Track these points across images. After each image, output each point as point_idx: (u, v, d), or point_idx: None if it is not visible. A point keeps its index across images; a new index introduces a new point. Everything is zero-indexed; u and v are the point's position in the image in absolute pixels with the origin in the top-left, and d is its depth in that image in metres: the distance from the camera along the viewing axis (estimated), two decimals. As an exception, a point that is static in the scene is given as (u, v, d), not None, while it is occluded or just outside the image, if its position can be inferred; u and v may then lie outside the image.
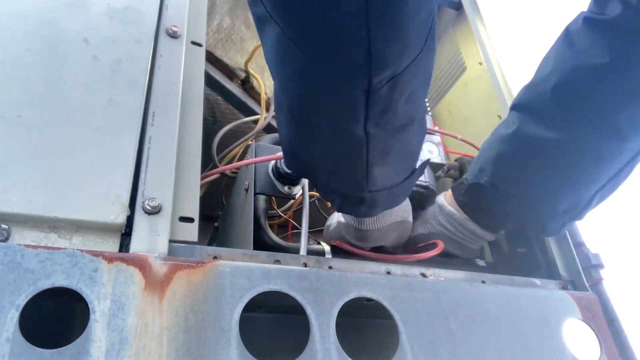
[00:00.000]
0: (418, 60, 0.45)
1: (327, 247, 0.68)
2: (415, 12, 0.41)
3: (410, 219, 0.72)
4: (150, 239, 0.47)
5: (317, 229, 0.85)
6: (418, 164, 0.63)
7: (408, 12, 0.41)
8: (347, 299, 0.51)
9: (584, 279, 0.71)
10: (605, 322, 0.65)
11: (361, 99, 0.45)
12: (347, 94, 0.45)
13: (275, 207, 0.79)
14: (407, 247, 0.75)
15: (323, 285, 0.51)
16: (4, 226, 0.43)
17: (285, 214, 0.80)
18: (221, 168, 0.73)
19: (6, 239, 0.42)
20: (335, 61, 0.43)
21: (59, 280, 0.40)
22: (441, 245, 0.69)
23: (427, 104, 1.11)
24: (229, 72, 0.88)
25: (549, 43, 0.65)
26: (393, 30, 0.41)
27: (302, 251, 0.62)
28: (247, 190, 0.69)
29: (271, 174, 0.68)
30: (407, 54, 0.44)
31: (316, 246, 0.68)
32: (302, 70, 0.45)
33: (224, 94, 0.88)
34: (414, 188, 0.81)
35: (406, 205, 0.72)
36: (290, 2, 0.41)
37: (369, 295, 0.52)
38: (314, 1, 0.39)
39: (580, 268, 0.71)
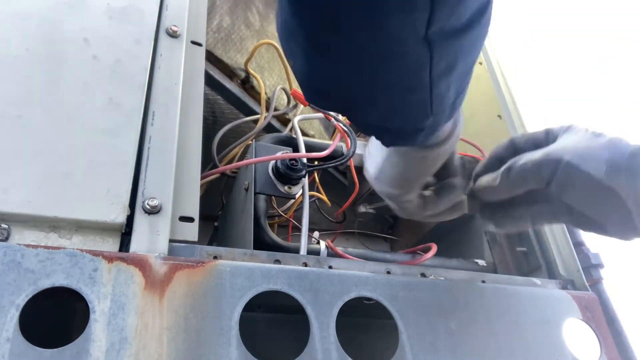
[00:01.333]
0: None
1: (325, 247, 0.68)
2: None
3: None
4: (150, 238, 0.47)
5: (317, 229, 0.85)
6: None
7: None
8: (347, 299, 0.51)
9: (584, 278, 0.71)
10: (605, 322, 0.65)
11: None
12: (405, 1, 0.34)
13: (276, 207, 0.79)
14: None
15: (323, 285, 0.51)
16: (3, 226, 0.43)
17: (285, 214, 0.80)
18: (221, 168, 0.73)
19: (6, 239, 0.42)
20: None
21: (59, 280, 0.40)
22: (434, 249, 0.67)
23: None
24: (229, 72, 0.88)
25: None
26: None
27: (302, 251, 0.62)
28: (247, 189, 0.69)
29: (271, 174, 0.68)
30: None
31: (316, 246, 0.68)
32: None
33: (223, 93, 0.88)
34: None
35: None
36: None
37: (369, 295, 0.52)
38: None
39: (580, 268, 0.71)
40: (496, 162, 0.57)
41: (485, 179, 0.56)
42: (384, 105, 0.43)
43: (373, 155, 0.56)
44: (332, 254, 0.68)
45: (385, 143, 0.49)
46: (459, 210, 0.59)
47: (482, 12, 0.40)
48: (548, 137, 0.55)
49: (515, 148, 0.56)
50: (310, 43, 0.39)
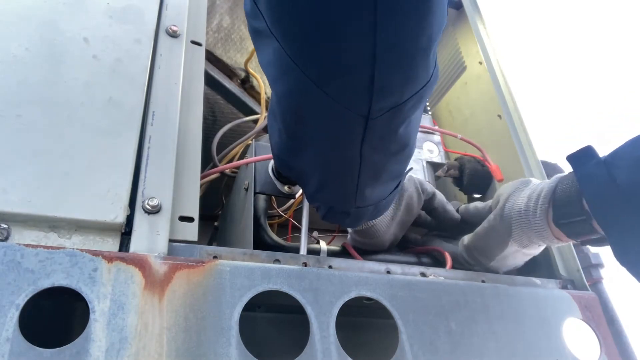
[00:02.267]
0: (422, 91, 0.43)
1: (325, 247, 0.68)
2: (426, 46, 0.40)
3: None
4: (150, 238, 0.47)
5: (316, 229, 0.85)
6: (424, 163, 0.62)
7: (419, 45, 0.39)
8: (347, 299, 0.51)
9: (584, 278, 0.70)
10: (605, 322, 0.65)
11: (359, 124, 0.43)
12: (345, 118, 0.43)
13: (275, 207, 0.79)
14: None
15: (323, 284, 0.51)
16: (3, 225, 0.43)
17: (285, 214, 0.80)
18: (221, 167, 0.73)
19: (6, 239, 0.42)
20: (336, 84, 0.41)
21: (59, 280, 0.40)
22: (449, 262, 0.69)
23: (427, 104, 1.11)
24: (229, 72, 0.88)
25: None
26: (400, 61, 0.39)
27: (302, 251, 0.62)
28: (247, 189, 0.69)
29: (271, 174, 0.68)
30: (412, 86, 0.42)
31: (316, 245, 0.68)
32: (299, 88, 0.43)
33: (223, 93, 0.88)
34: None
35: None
36: (293, 19, 0.39)
37: (368, 294, 0.52)
38: (319, 19, 0.37)
39: (580, 267, 0.71)
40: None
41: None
42: (322, 186, 0.54)
43: None
44: (332, 253, 0.68)
45: (321, 216, 0.59)
46: None
47: (408, 146, 0.50)
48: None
49: None
50: (282, 131, 0.50)
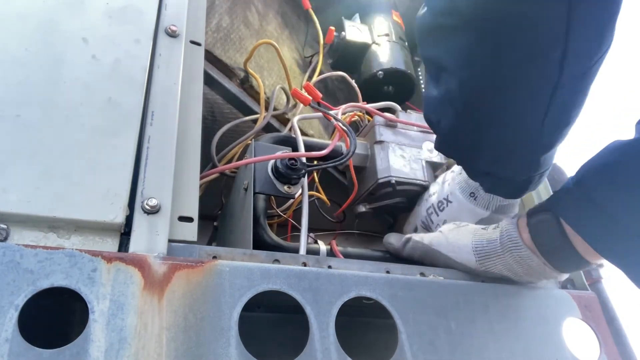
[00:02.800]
0: (604, 55, 0.47)
1: (324, 247, 0.68)
2: (615, 10, 0.44)
3: None
4: (149, 238, 0.47)
5: (317, 229, 0.85)
6: (423, 163, 0.63)
7: (610, 11, 0.43)
8: (346, 299, 0.51)
9: (584, 278, 0.71)
10: (604, 321, 0.65)
11: (546, 95, 0.47)
12: (533, 92, 0.47)
13: (275, 207, 0.79)
14: None
15: (322, 284, 0.50)
16: (2, 226, 0.43)
17: (284, 214, 0.80)
18: (220, 167, 0.73)
19: (5, 239, 0.42)
20: (531, 67, 0.45)
21: (58, 280, 0.40)
22: None
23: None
24: (228, 72, 0.88)
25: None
26: (593, 26, 0.43)
27: (302, 251, 0.62)
28: (246, 189, 0.69)
29: (270, 174, 0.68)
30: (600, 50, 0.46)
31: (315, 246, 0.68)
32: (487, 73, 0.48)
33: (223, 93, 0.88)
34: (411, 187, 0.81)
35: None
36: (490, 12, 0.44)
37: (368, 294, 0.52)
38: (515, 12, 0.43)
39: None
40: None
41: (395, 237, 0.73)
42: (500, 155, 0.57)
43: None
44: (331, 254, 0.68)
45: (486, 188, 0.64)
46: None
47: (578, 115, 0.53)
48: None
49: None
50: (461, 113, 0.54)
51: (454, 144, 0.61)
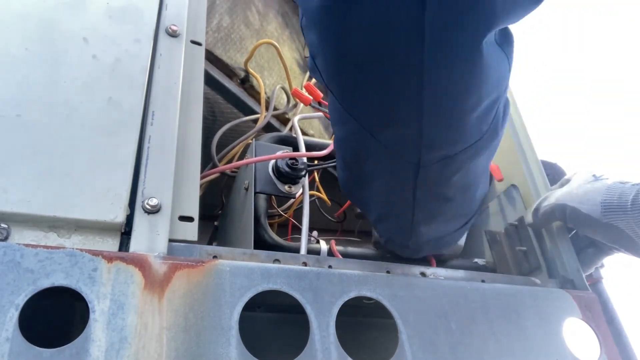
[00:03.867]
0: (477, 144, 0.44)
1: (325, 247, 0.68)
2: (475, 105, 0.41)
3: None
4: (149, 238, 0.47)
5: (317, 229, 0.85)
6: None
7: (467, 107, 0.40)
8: (346, 298, 0.51)
9: (584, 278, 0.70)
10: (605, 321, 0.65)
11: (411, 171, 0.46)
12: (397, 164, 0.46)
13: (276, 206, 0.79)
14: None
15: (323, 284, 0.50)
16: (3, 225, 0.43)
17: (285, 213, 0.80)
18: (221, 167, 0.73)
19: (5, 238, 0.42)
20: (387, 134, 0.43)
21: (59, 280, 0.40)
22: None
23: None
24: (229, 71, 0.88)
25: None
26: (447, 119, 0.41)
27: (303, 250, 0.62)
28: (247, 189, 0.69)
29: (271, 173, 0.68)
30: (461, 141, 0.43)
31: (316, 245, 0.68)
32: (355, 135, 0.46)
33: (223, 93, 0.88)
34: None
35: None
36: (344, 76, 0.41)
37: (368, 294, 0.52)
38: (368, 77, 0.39)
39: (580, 267, 0.71)
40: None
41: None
42: (381, 217, 0.57)
43: None
44: (332, 253, 0.68)
45: (383, 242, 0.63)
46: None
47: (468, 191, 0.52)
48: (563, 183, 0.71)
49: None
50: (343, 166, 0.56)
51: (348, 194, 0.61)
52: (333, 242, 0.69)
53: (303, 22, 0.43)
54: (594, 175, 0.66)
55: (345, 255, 0.68)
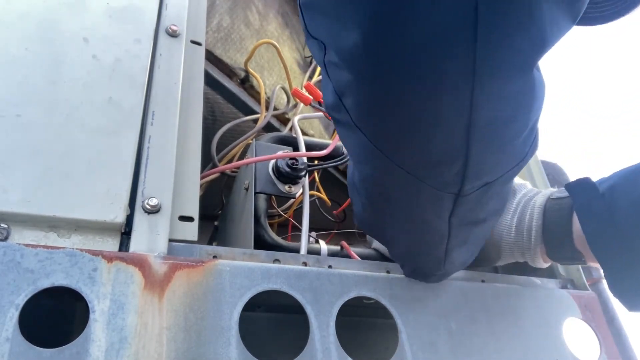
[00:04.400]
0: (517, 166, 0.43)
1: (325, 247, 0.68)
2: (523, 128, 0.39)
3: None
4: (149, 238, 0.47)
5: (317, 228, 0.85)
6: None
7: (514, 132, 0.39)
8: (346, 298, 0.51)
9: (584, 277, 0.70)
10: (605, 321, 0.65)
11: (449, 201, 0.43)
12: (436, 198, 0.42)
13: (276, 206, 0.79)
14: None
15: (323, 284, 0.51)
16: (3, 225, 0.43)
17: (285, 213, 0.80)
18: (221, 167, 0.73)
19: (5, 238, 0.42)
20: (428, 174, 0.40)
21: (59, 280, 0.40)
22: None
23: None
24: (229, 71, 0.88)
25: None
26: (494, 147, 0.39)
27: (303, 250, 0.62)
28: (247, 189, 0.69)
29: (271, 173, 0.68)
30: (505, 164, 0.42)
31: (316, 245, 0.68)
32: (388, 173, 0.42)
33: (223, 93, 0.88)
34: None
35: None
36: (382, 120, 0.38)
37: (368, 294, 0.52)
38: (409, 122, 0.36)
39: (580, 267, 0.71)
40: None
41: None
42: (409, 252, 0.54)
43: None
44: (332, 253, 0.68)
45: (405, 274, 0.58)
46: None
47: (499, 212, 0.51)
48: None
49: None
50: (366, 205, 0.51)
51: (367, 228, 0.57)
52: (344, 242, 0.69)
53: (327, 58, 0.39)
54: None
55: (345, 255, 0.68)
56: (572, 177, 0.83)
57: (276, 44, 0.90)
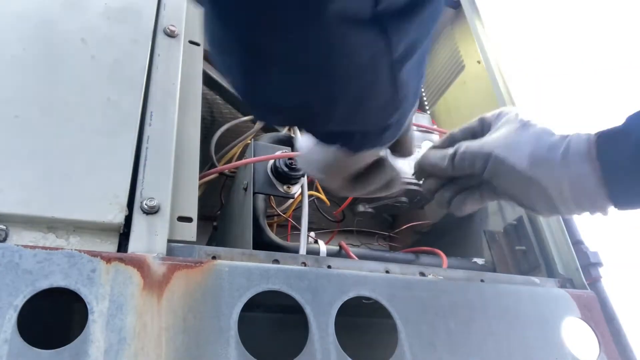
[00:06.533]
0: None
1: (324, 247, 0.68)
2: None
3: None
4: (148, 238, 0.47)
5: (316, 229, 0.85)
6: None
7: None
8: (346, 299, 0.51)
9: (583, 277, 0.70)
10: (604, 321, 0.65)
11: (381, 40, 0.32)
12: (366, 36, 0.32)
13: (274, 207, 0.79)
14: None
15: (322, 284, 0.50)
16: (1, 226, 0.43)
17: (284, 214, 0.80)
18: (220, 168, 0.73)
19: (4, 240, 0.42)
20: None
21: (57, 281, 0.40)
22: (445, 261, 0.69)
23: (426, 102, 1.11)
24: (227, 72, 0.88)
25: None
26: None
27: (302, 250, 0.62)
28: (245, 189, 0.69)
29: (270, 173, 0.68)
30: None
31: (315, 245, 0.68)
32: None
33: (222, 93, 0.88)
34: (412, 187, 0.81)
35: None
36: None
37: (367, 294, 0.52)
38: None
39: (579, 266, 0.71)
40: (449, 143, 0.61)
41: (437, 155, 0.60)
42: (344, 108, 0.38)
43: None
44: (331, 253, 0.68)
45: (353, 149, 0.46)
46: (392, 188, 0.57)
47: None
48: (483, 127, 0.60)
49: (454, 139, 0.61)
50: (244, 49, 0.33)
51: (272, 108, 0.40)
52: (343, 243, 0.69)
53: None
54: (520, 121, 0.56)
55: (344, 254, 0.68)
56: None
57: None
